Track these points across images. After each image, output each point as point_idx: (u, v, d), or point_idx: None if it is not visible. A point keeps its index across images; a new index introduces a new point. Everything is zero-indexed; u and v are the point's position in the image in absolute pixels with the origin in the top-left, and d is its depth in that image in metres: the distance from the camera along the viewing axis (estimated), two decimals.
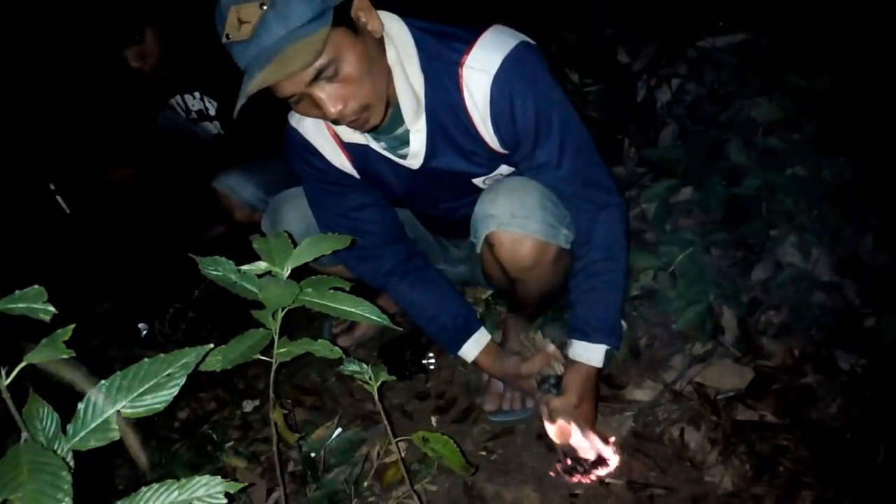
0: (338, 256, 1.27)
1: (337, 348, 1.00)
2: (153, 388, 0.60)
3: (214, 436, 1.75)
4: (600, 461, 1.36)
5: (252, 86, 1.01)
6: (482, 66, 1.16)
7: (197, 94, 2.27)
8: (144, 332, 2.35)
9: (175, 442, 1.80)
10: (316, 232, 1.48)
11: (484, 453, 1.51)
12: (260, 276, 0.96)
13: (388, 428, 1.19)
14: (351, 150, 1.36)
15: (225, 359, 0.90)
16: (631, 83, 2.13)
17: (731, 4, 1.99)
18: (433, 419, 1.67)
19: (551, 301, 1.59)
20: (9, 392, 0.56)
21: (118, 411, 0.58)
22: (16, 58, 2.72)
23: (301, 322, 2.09)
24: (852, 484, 1.22)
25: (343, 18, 1.05)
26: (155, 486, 0.62)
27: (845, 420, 1.32)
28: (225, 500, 0.63)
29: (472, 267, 1.72)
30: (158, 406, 0.59)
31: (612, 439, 1.42)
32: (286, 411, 1.67)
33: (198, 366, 0.69)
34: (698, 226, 1.71)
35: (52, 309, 0.59)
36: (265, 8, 0.98)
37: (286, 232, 0.99)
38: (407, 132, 1.26)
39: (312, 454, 1.56)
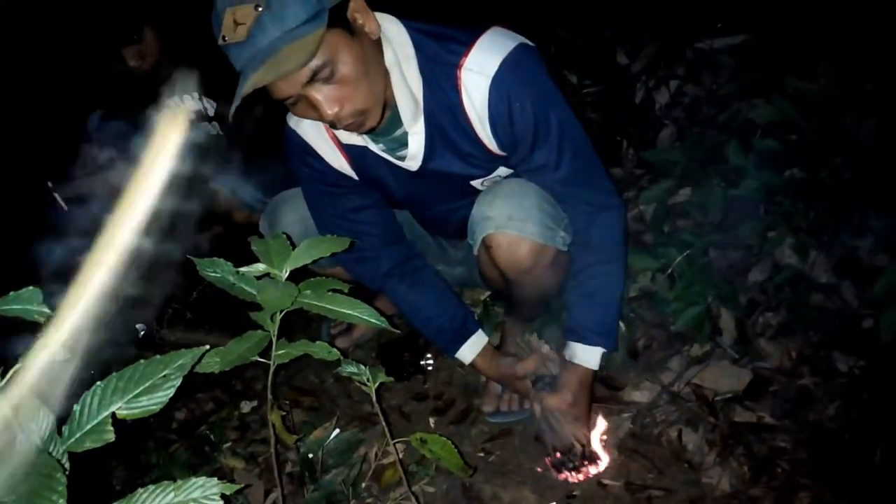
0: (336, 258, 1.27)
1: (335, 350, 1.00)
2: (149, 389, 0.59)
3: (212, 436, 1.75)
4: (591, 458, 1.36)
5: (247, 86, 1.01)
6: (481, 68, 1.16)
7: (195, 95, 2.27)
8: (142, 333, 2.35)
9: (173, 443, 1.80)
10: (314, 233, 1.48)
11: (482, 454, 1.51)
12: (258, 277, 0.96)
13: (386, 429, 1.19)
14: (349, 151, 1.36)
15: (223, 360, 0.90)
16: (630, 85, 2.14)
17: (729, 6, 2.00)
18: (431, 420, 1.67)
19: (549, 303, 1.59)
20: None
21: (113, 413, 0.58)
22: (16, 58, 2.72)
23: (299, 323, 2.09)
24: (850, 485, 1.22)
25: (339, 20, 1.05)
26: (151, 487, 0.62)
27: (843, 421, 1.32)
28: (221, 502, 0.63)
29: (470, 268, 1.72)
30: (154, 408, 0.59)
31: (604, 437, 1.42)
32: (284, 412, 1.67)
33: (195, 367, 0.69)
34: (696, 227, 1.71)
35: (46, 310, 0.59)
36: (260, 9, 0.98)
37: (284, 233, 0.99)
38: (405, 134, 1.26)
39: (310, 455, 1.56)
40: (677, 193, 1.78)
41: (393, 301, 1.57)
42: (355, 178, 1.41)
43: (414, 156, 1.29)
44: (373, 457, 1.53)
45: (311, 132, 1.35)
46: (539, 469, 1.43)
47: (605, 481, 1.36)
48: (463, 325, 1.52)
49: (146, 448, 1.76)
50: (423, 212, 1.60)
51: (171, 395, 0.60)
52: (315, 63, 1.03)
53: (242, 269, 0.95)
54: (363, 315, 0.96)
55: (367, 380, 1.09)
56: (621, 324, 1.53)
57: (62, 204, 2.75)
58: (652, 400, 1.51)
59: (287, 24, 0.99)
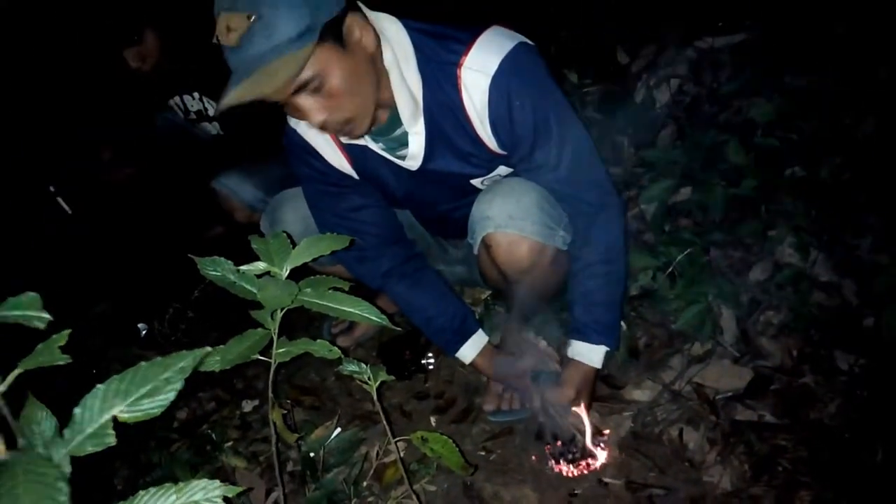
0: (337, 257, 1.27)
1: (336, 348, 1.00)
2: (150, 392, 0.59)
3: (214, 436, 1.75)
4: (590, 452, 1.36)
5: (226, 101, 1.01)
6: (480, 67, 1.16)
7: (196, 95, 2.27)
8: (144, 332, 2.35)
9: (174, 442, 1.80)
10: (315, 232, 1.48)
11: (483, 453, 1.52)
12: (259, 276, 0.96)
13: (388, 428, 1.19)
14: (350, 150, 1.36)
15: (223, 359, 0.90)
16: (630, 84, 2.14)
17: (730, 5, 2.00)
18: (432, 419, 1.67)
19: (549, 302, 1.59)
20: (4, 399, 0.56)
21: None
22: (16, 58, 2.72)
23: (300, 322, 2.09)
24: (851, 484, 1.22)
25: (333, 33, 1.04)
26: (152, 489, 0.62)
27: (844, 420, 1.32)
28: None
29: (470, 267, 1.72)
30: (156, 411, 0.59)
31: (606, 431, 1.42)
32: (285, 411, 1.67)
33: (196, 367, 0.69)
34: (697, 226, 1.71)
35: (46, 316, 0.59)
36: (252, 19, 0.98)
37: (285, 232, 0.99)
38: (405, 134, 1.26)
39: (311, 454, 1.56)
40: (678, 192, 1.78)
41: (393, 300, 1.57)
42: (356, 177, 1.41)
43: (414, 155, 1.29)
44: (374, 455, 1.53)
45: (312, 131, 1.35)
46: (534, 458, 1.43)
47: (606, 480, 1.36)
48: (463, 324, 1.52)
49: (148, 447, 1.77)
50: (423, 211, 1.60)
51: (172, 398, 0.60)
52: (303, 77, 1.03)
53: (243, 268, 0.95)
54: (364, 313, 0.96)
55: (369, 378, 1.09)
56: (622, 323, 1.53)
57: (65, 207, 2.76)
58: (653, 398, 1.51)
59: (276, 39, 0.98)
